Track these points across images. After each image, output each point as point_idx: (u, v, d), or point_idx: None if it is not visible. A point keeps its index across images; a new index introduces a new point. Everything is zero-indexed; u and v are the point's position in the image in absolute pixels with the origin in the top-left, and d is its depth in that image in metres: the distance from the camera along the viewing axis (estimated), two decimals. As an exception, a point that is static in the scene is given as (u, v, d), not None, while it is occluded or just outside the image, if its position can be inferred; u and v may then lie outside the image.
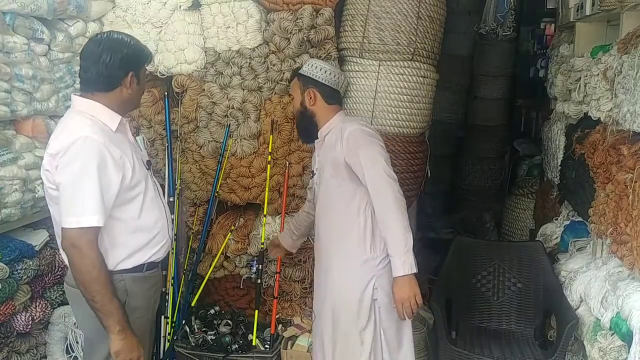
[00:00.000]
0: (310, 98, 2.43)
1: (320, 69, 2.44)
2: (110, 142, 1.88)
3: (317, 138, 2.48)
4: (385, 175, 2.26)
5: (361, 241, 2.34)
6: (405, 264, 2.20)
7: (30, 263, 2.55)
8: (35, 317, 2.61)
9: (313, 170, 2.55)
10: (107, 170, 1.85)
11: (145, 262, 2.03)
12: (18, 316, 2.53)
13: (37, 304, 2.64)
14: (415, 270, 2.22)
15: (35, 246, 2.61)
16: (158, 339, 3.06)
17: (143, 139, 2.27)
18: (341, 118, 2.46)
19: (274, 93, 3.18)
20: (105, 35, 2.01)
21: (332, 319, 2.40)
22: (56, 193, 1.89)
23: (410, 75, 3.10)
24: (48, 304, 2.72)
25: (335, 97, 2.49)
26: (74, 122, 1.91)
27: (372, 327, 2.35)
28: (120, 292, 1.95)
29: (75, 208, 1.82)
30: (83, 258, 1.83)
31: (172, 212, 3.16)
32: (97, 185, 1.82)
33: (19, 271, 2.49)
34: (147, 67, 2.11)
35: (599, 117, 2.59)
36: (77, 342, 2.77)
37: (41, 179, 2.51)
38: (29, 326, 2.58)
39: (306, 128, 2.49)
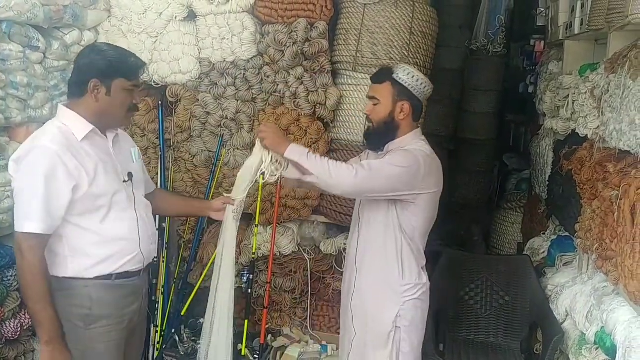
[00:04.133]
0: (402, 111, 2.21)
1: (417, 80, 2.21)
2: (67, 152, 1.88)
3: (382, 151, 2.27)
4: (377, 167, 2.11)
5: (392, 262, 2.23)
6: (293, 152, 2.09)
7: (21, 270, 2.54)
8: (24, 324, 2.59)
9: None
10: (56, 179, 1.86)
11: (113, 272, 2.01)
12: (7, 323, 2.51)
13: (26, 311, 2.63)
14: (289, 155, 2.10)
15: (26, 253, 2.60)
16: (147, 347, 3.05)
17: (138, 152, 2.25)
18: (412, 138, 2.25)
19: (267, 104, 3.22)
20: (92, 44, 2.01)
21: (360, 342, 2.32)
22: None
23: (403, 90, 3.14)
24: (37, 311, 2.71)
25: (420, 111, 2.30)
26: (42, 131, 1.96)
27: (393, 353, 2.26)
28: (84, 299, 1.96)
29: (21, 214, 1.87)
30: (22, 262, 1.86)
31: (163, 222, 3.16)
32: (43, 194, 1.84)
33: (8, 278, 2.48)
34: (130, 82, 1.99)
35: (586, 134, 2.64)
36: (66, 350, 2.76)
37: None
38: (18, 333, 2.55)
39: (381, 139, 2.26)
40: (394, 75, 2.21)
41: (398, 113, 2.21)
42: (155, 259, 2.66)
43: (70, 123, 1.94)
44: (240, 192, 2.25)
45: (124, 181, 2.04)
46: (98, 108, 1.96)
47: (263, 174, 2.17)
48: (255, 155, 2.18)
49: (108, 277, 2.00)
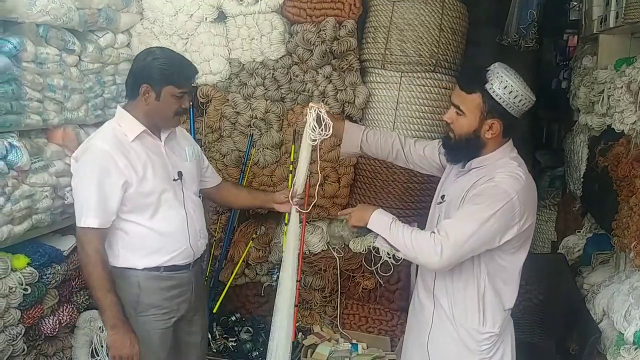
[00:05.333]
0: (490, 129, 1.85)
1: (515, 97, 1.81)
2: (118, 151, 2.03)
3: (463, 167, 1.96)
4: (461, 232, 1.77)
5: (472, 308, 1.93)
6: (376, 224, 1.93)
7: (59, 268, 2.61)
8: (62, 321, 2.66)
9: (443, 195, 2.02)
10: (109, 177, 2.01)
11: (160, 265, 2.15)
12: (46, 320, 2.59)
13: (64, 308, 2.70)
14: (372, 228, 1.94)
15: (64, 251, 2.67)
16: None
17: (194, 150, 2.37)
18: (501, 155, 1.89)
19: (296, 103, 3.23)
20: (148, 48, 2.16)
21: None
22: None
23: (432, 87, 3.13)
24: (75, 308, 2.77)
25: (513, 129, 1.90)
26: (98, 131, 2.13)
27: None
28: (133, 287, 2.13)
29: (79, 209, 2.04)
30: (82, 254, 2.05)
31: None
32: (97, 191, 2.00)
33: (47, 276, 2.54)
34: (179, 90, 2.08)
35: (623, 130, 2.58)
36: (102, 346, 2.82)
37: (70, 186, 2.67)
38: (56, 330, 2.62)
39: (462, 154, 1.95)
40: (487, 86, 1.81)
41: (485, 131, 1.85)
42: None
43: (124, 124, 2.09)
44: (300, 183, 2.25)
45: (174, 180, 2.16)
46: (148, 110, 2.09)
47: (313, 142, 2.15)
48: (304, 136, 2.17)
49: (156, 269, 2.15)
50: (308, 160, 2.20)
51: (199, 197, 2.37)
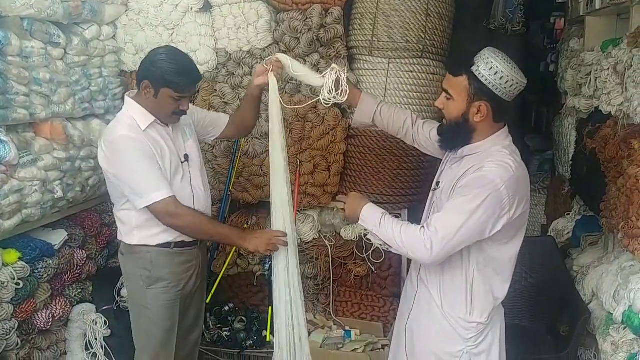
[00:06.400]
0: (478, 112, 1.83)
1: (501, 78, 1.78)
2: (141, 136, 2.20)
3: (456, 154, 1.94)
4: (450, 230, 1.76)
5: (460, 297, 1.92)
6: (366, 221, 1.93)
7: (50, 262, 2.61)
8: (55, 315, 2.67)
9: (438, 182, 2.02)
10: (150, 155, 2.17)
11: (172, 241, 2.30)
12: (39, 314, 2.59)
13: (57, 301, 2.70)
14: (363, 225, 1.96)
15: (55, 245, 2.67)
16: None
17: (190, 125, 2.45)
18: (492, 143, 1.87)
19: (284, 92, 3.22)
20: (163, 48, 2.31)
21: None
22: (112, 179, 2.24)
23: (420, 73, 3.13)
24: (67, 301, 2.78)
25: (504, 112, 1.87)
26: (116, 122, 2.27)
27: None
28: (146, 262, 2.29)
29: (141, 191, 2.17)
30: (176, 221, 2.20)
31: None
32: (150, 169, 2.15)
33: (39, 270, 2.55)
34: (177, 94, 2.18)
35: (610, 112, 2.59)
36: (96, 339, 2.83)
37: (60, 179, 2.67)
38: (50, 323, 2.63)
39: (454, 140, 1.93)
40: (473, 68, 1.80)
41: (473, 114, 1.83)
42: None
43: (135, 115, 2.23)
44: (286, 58, 2.19)
45: (182, 162, 2.31)
46: (148, 104, 2.23)
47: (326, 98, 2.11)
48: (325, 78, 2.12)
49: (167, 245, 2.30)
50: (306, 72, 2.20)
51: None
